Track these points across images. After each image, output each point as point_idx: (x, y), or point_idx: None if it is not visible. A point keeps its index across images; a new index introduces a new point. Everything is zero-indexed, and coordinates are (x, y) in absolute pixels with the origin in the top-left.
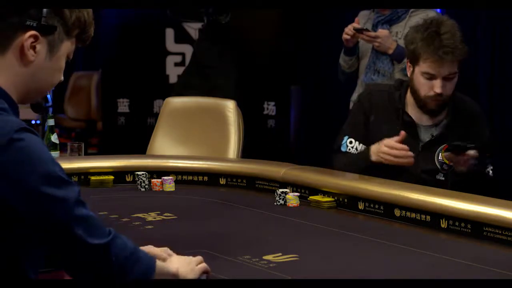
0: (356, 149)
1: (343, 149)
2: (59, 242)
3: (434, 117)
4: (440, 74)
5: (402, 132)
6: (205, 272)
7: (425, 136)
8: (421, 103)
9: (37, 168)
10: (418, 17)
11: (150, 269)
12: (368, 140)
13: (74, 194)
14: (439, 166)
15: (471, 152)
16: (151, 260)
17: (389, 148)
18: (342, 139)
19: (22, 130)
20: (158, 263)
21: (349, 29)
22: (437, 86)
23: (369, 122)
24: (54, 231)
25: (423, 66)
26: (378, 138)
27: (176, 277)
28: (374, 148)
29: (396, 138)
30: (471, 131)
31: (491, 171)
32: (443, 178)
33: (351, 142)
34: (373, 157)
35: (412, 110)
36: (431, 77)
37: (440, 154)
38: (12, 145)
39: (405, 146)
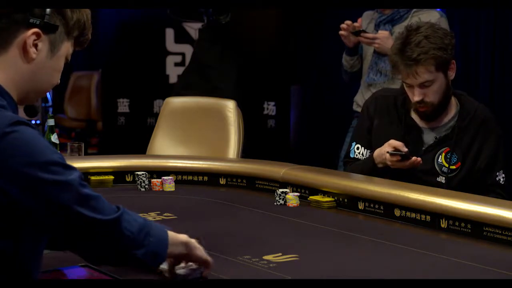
0: (363, 155)
1: (351, 155)
2: (69, 225)
3: (429, 121)
4: (414, 83)
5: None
6: (205, 262)
7: (429, 139)
8: (413, 108)
9: (35, 157)
10: (420, 17)
11: (163, 240)
12: (372, 144)
13: (76, 177)
14: (438, 169)
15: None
16: (163, 231)
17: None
18: (351, 145)
19: (16, 123)
20: (170, 232)
21: (345, 25)
22: (415, 94)
23: (372, 126)
24: (63, 216)
25: (401, 76)
26: (381, 142)
27: (188, 246)
28: (376, 153)
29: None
30: (478, 136)
31: (502, 179)
32: (444, 182)
33: (358, 148)
34: (378, 162)
35: (414, 113)
36: (409, 85)
37: (440, 157)
38: (6, 138)
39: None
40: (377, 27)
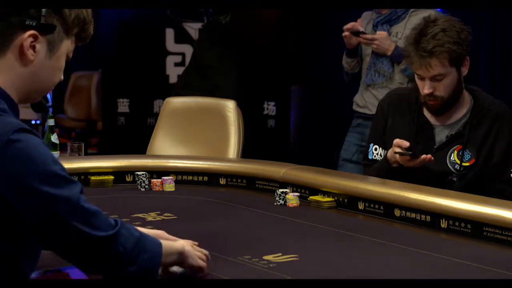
0: (381, 155)
1: (370, 156)
2: (66, 239)
3: (440, 116)
4: (426, 75)
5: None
6: (199, 269)
7: (441, 137)
8: (422, 101)
9: (37, 168)
10: (418, 17)
11: (157, 256)
12: (386, 144)
13: (77, 191)
14: (450, 167)
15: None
16: (157, 245)
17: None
18: (369, 147)
19: (20, 131)
20: (164, 243)
21: (349, 25)
22: (425, 87)
23: (386, 126)
24: (60, 229)
25: (413, 67)
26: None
27: (182, 255)
28: (389, 154)
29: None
30: (492, 131)
31: None
32: (455, 179)
33: (376, 149)
34: (392, 162)
35: (427, 111)
36: (420, 77)
37: (452, 154)
38: (10, 147)
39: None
40: (375, 28)
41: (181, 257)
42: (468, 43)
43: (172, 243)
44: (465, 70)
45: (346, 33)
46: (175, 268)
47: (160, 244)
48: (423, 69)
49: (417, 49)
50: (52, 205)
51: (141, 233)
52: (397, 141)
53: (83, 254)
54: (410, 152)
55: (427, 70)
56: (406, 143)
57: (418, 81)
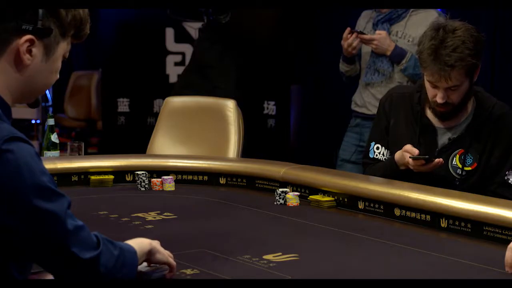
0: (383, 154)
1: (371, 155)
2: (49, 253)
3: (446, 121)
4: (444, 86)
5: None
6: (167, 264)
7: (443, 140)
8: (430, 106)
9: (27, 180)
10: (418, 16)
11: (134, 265)
12: (389, 144)
13: (64, 206)
14: (452, 172)
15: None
16: (133, 255)
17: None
18: (369, 145)
19: (12, 139)
20: (135, 246)
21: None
22: (438, 97)
23: (389, 125)
24: (47, 245)
25: (427, 75)
26: (397, 141)
27: (150, 252)
28: (397, 156)
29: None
30: (492, 133)
31: (511, 179)
32: (457, 183)
33: (378, 148)
34: (400, 165)
35: (430, 112)
36: (434, 86)
37: (454, 158)
38: (0, 157)
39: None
40: (375, 26)
41: (149, 254)
42: (483, 53)
43: (141, 244)
44: (475, 77)
45: (345, 35)
46: (142, 268)
47: (135, 252)
48: (442, 81)
49: (437, 61)
50: (40, 219)
51: (120, 248)
52: (408, 147)
53: (66, 272)
54: (426, 156)
55: (446, 81)
56: (416, 151)
57: (429, 88)
